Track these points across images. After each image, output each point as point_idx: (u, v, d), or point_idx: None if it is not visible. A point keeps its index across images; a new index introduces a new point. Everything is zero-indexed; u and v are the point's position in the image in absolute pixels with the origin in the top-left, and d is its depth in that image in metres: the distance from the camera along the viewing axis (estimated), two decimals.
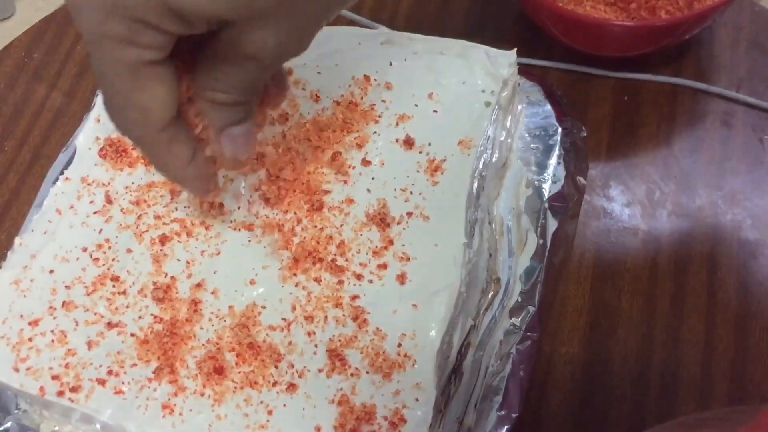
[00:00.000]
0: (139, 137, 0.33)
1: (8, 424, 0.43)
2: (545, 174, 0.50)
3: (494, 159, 0.47)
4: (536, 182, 0.50)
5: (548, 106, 0.53)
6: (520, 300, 0.45)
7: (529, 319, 0.45)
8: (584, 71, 0.56)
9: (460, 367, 0.43)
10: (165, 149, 0.33)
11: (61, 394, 0.38)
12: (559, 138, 0.51)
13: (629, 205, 0.51)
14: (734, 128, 0.54)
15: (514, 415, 0.42)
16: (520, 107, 0.52)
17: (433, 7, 0.62)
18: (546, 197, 0.49)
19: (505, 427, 0.41)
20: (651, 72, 0.56)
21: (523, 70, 0.52)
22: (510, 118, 0.50)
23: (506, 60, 0.47)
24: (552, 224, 0.48)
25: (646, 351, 0.46)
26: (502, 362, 0.43)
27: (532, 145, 0.51)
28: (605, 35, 0.53)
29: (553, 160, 0.51)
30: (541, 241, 0.47)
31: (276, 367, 0.38)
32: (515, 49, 0.48)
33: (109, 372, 0.39)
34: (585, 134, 0.53)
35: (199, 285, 0.41)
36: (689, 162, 0.52)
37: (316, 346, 0.38)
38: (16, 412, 0.44)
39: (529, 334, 0.44)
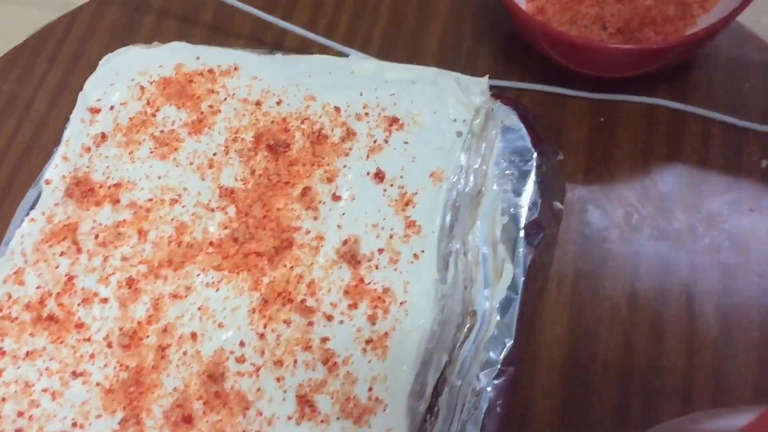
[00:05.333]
0: None
1: None
2: (521, 200, 0.49)
3: (468, 188, 0.46)
4: (512, 210, 0.49)
5: (523, 130, 0.52)
6: (497, 332, 0.44)
7: (507, 351, 0.44)
8: (559, 92, 0.56)
9: (436, 404, 0.42)
10: None
11: None
12: (534, 163, 0.50)
13: (607, 229, 0.51)
14: (712, 148, 0.53)
15: None
16: (494, 132, 0.51)
17: (409, 29, 0.62)
18: (522, 224, 0.48)
19: None
20: (627, 92, 0.55)
21: (498, 93, 0.52)
22: (484, 144, 0.49)
23: (478, 87, 0.47)
24: (529, 252, 0.47)
25: (626, 380, 0.45)
26: (479, 398, 0.43)
27: (507, 171, 0.50)
28: (589, 55, 0.52)
29: (529, 186, 0.49)
30: (517, 271, 0.46)
31: (244, 415, 0.37)
32: (487, 76, 0.48)
33: (74, 424, 0.38)
34: (561, 158, 0.52)
35: (165, 330, 0.40)
36: (667, 184, 0.52)
37: (285, 392, 0.38)
38: None
39: (505, 368, 0.43)
